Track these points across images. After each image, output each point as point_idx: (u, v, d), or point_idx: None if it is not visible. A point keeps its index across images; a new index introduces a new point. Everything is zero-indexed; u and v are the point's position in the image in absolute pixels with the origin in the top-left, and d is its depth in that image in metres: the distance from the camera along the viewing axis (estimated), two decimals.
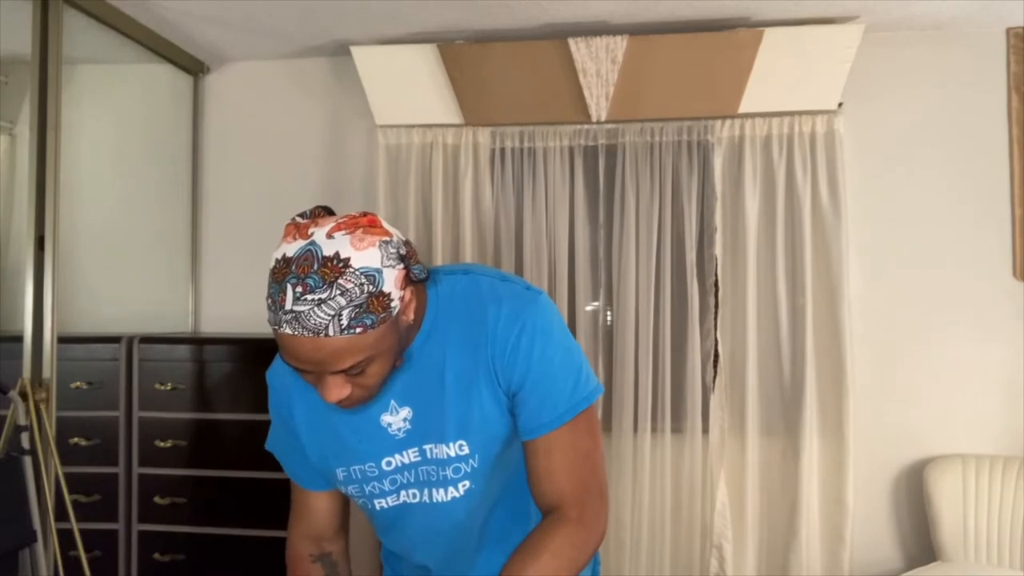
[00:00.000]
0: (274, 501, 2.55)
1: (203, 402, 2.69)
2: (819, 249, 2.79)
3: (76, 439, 2.64)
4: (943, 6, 2.63)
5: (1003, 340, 2.81)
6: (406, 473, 1.13)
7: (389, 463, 1.12)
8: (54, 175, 2.30)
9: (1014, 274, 2.83)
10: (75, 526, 2.21)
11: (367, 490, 1.15)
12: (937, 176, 2.87)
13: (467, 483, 1.12)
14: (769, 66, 2.70)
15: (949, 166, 2.86)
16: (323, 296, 0.91)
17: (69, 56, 2.38)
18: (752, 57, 2.69)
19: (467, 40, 2.87)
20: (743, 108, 2.77)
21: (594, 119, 2.82)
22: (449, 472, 1.11)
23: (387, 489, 1.14)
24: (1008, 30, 2.84)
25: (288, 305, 0.92)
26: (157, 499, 2.66)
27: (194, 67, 3.17)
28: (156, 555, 2.67)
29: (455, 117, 2.91)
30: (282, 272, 0.93)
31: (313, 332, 0.92)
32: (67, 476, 2.24)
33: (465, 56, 2.82)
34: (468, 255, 2.91)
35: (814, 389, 2.76)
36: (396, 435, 1.11)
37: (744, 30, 2.70)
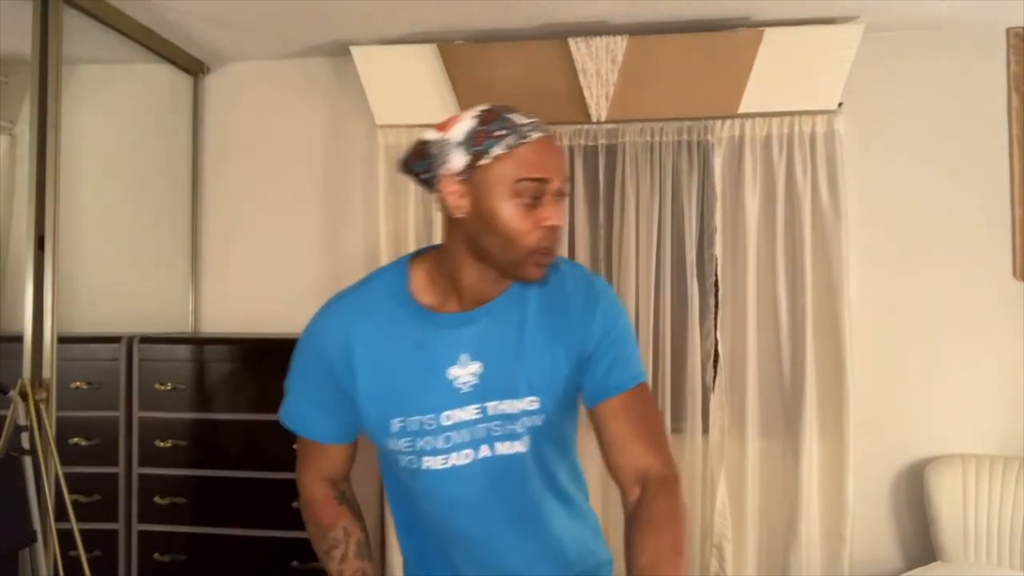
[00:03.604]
0: (274, 501, 2.52)
1: (203, 402, 2.68)
2: (819, 249, 2.79)
3: (76, 439, 2.64)
4: (943, 6, 2.63)
5: (1003, 340, 2.81)
6: (463, 431, 1.13)
7: (448, 417, 1.13)
8: (54, 175, 2.29)
9: (1014, 274, 2.83)
10: (75, 526, 2.21)
11: (419, 445, 1.14)
12: (937, 176, 2.87)
13: (527, 440, 1.15)
14: (769, 66, 2.70)
15: (949, 166, 2.86)
16: None
17: (69, 56, 2.37)
18: (752, 57, 2.69)
19: (467, 40, 2.87)
20: (743, 108, 2.77)
21: (594, 119, 2.82)
22: (517, 427, 1.14)
23: (440, 447, 1.14)
24: (1008, 30, 2.84)
25: (528, 118, 1.06)
26: (157, 499, 2.66)
27: (194, 67, 3.17)
28: (156, 555, 2.67)
29: None
30: (491, 112, 1.06)
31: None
32: (67, 476, 2.24)
33: (465, 56, 2.82)
34: None
35: (814, 389, 2.76)
36: (460, 389, 1.13)
37: (744, 30, 2.70)
